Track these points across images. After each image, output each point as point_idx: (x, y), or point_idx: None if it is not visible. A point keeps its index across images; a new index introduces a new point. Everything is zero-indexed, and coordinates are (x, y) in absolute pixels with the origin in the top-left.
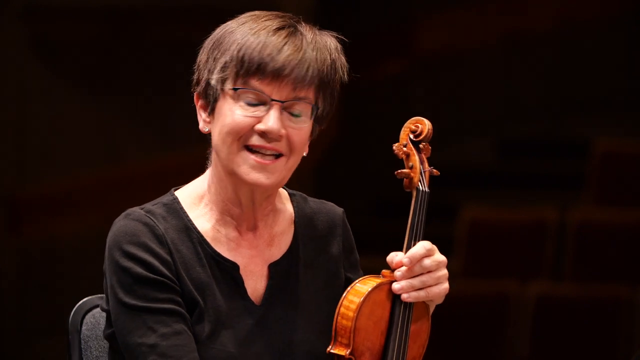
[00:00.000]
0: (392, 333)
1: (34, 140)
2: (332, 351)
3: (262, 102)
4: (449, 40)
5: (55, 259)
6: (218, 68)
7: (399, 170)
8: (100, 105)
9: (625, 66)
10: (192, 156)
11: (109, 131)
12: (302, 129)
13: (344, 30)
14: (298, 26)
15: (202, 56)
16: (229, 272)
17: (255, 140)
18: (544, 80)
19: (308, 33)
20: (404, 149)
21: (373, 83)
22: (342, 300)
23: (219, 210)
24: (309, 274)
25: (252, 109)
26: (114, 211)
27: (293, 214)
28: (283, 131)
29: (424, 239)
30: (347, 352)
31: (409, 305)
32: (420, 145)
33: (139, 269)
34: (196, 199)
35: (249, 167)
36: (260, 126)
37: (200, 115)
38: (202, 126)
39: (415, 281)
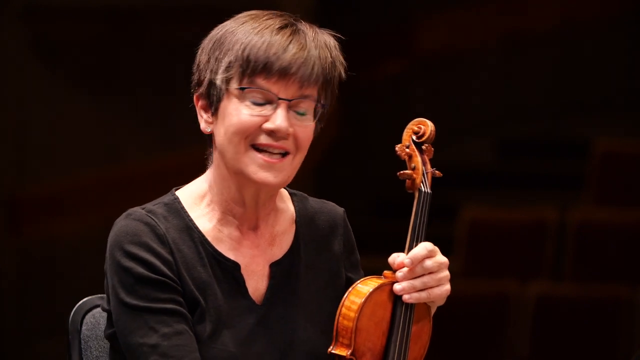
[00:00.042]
0: (393, 334)
1: (34, 140)
2: (333, 351)
3: (268, 100)
4: (449, 40)
5: (55, 259)
6: (222, 68)
7: (402, 172)
8: (100, 105)
9: (625, 66)
10: (192, 156)
11: (109, 131)
12: (308, 127)
13: (344, 30)
14: (298, 24)
15: (201, 57)
16: (230, 271)
17: (263, 140)
18: (543, 80)
19: (309, 31)
20: (407, 150)
21: (373, 83)
22: (344, 301)
23: (221, 209)
24: (310, 273)
25: (258, 108)
26: (114, 211)
27: (294, 214)
28: (291, 129)
29: (425, 239)
30: (348, 353)
31: (410, 306)
32: (423, 147)
33: (140, 269)
34: (197, 199)
35: (257, 167)
36: (268, 125)
37: (201, 116)
38: (204, 127)
39: (417, 282)
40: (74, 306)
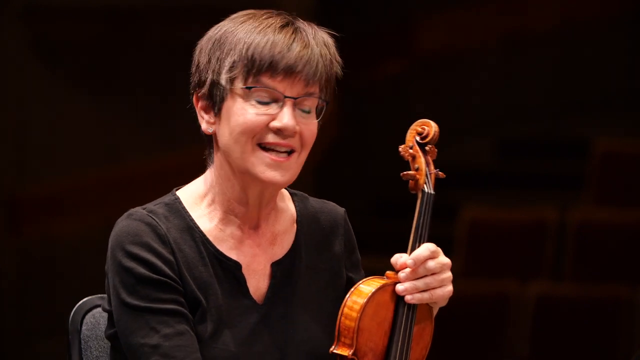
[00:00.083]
0: (395, 334)
1: (34, 140)
2: (335, 351)
3: (274, 99)
4: (449, 40)
5: (55, 259)
6: (226, 68)
7: (405, 172)
8: (100, 105)
9: (625, 66)
10: (192, 156)
11: (109, 131)
12: (312, 124)
13: (344, 30)
14: (297, 23)
15: (201, 58)
16: (231, 271)
17: (270, 138)
18: (543, 80)
19: (308, 29)
20: (410, 150)
21: (373, 83)
22: (346, 301)
23: (222, 209)
24: (311, 273)
25: (264, 107)
26: (114, 211)
27: (295, 214)
28: (298, 127)
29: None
30: (350, 353)
31: (412, 307)
32: (427, 148)
33: (141, 270)
34: (198, 199)
35: (265, 166)
36: (275, 123)
37: (202, 116)
38: (206, 127)
39: (419, 283)
40: (74, 306)
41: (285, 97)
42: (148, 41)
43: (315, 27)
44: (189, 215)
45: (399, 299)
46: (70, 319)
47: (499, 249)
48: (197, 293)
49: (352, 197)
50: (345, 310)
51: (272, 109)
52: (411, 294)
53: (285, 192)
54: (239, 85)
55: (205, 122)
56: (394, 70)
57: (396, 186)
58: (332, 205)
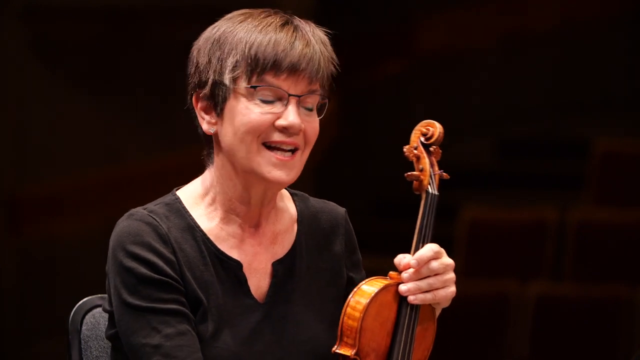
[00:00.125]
0: (397, 334)
1: (34, 140)
2: (337, 351)
3: (278, 97)
4: (449, 40)
5: (55, 259)
6: (228, 68)
7: (409, 173)
8: (100, 105)
9: (625, 66)
10: (192, 156)
11: (109, 131)
12: (315, 122)
13: (344, 30)
14: (295, 21)
15: (200, 58)
16: (232, 270)
17: (275, 137)
18: (543, 80)
19: (306, 27)
20: (415, 151)
21: (373, 83)
22: (349, 301)
23: (223, 208)
24: (312, 272)
25: (268, 106)
26: (114, 211)
27: (295, 213)
28: (302, 125)
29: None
30: (353, 353)
31: (415, 308)
32: (431, 148)
33: (143, 269)
34: (198, 198)
35: (271, 166)
36: (281, 122)
37: (203, 117)
38: (207, 128)
39: (423, 283)
40: (74, 306)
41: (290, 95)
42: (148, 41)
43: (312, 25)
44: (190, 215)
45: (401, 299)
46: (70, 319)
47: (499, 249)
48: (198, 292)
49: (352, 197)
50: (348, 310)
51: (277, 107)
52: (414, 294)
53: (285, 192)
54: (242, 84)
55: (206, 122)
56: (394, 71)
57: (396, 186)
58: (332, 205)
